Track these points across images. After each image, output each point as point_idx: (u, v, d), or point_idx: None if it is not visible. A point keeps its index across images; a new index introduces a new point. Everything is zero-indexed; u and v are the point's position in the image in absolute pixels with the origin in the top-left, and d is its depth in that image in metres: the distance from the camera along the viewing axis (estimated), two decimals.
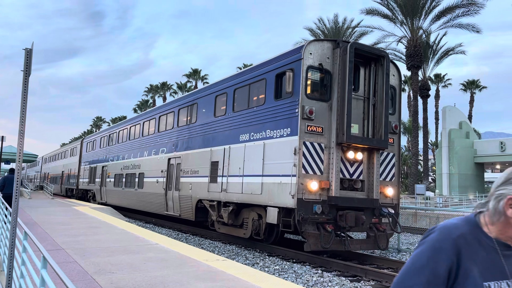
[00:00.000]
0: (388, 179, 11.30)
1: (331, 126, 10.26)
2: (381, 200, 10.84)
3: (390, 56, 11.54)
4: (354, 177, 10.55)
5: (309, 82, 10.25)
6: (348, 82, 10.00)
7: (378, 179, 10.70)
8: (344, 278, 8.82)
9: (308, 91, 10.19)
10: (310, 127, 9.97)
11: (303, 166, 9.80)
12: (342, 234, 10.21)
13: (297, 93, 10.07)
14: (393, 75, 11.78)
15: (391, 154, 11.43)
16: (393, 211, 10.92)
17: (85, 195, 30.56)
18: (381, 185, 10.95)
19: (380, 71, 10.70)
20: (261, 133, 11.16)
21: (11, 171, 17.14)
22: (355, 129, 10.48)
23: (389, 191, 11.13)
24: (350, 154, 10.38)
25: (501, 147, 41.04)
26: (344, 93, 10.02)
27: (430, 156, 60.07)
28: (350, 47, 10.13)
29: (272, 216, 10.32)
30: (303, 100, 9.98)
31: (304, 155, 9.82)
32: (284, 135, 10.28)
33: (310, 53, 10.27)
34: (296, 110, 9.99)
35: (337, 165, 10.08)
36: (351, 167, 10.50)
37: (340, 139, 10.02)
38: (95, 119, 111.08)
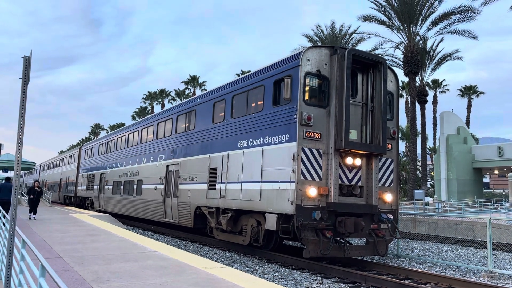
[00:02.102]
0: (386, 184, 11.30)
1: (330, 132, 10.27)
2: (380, 206, 10.83)
3: (387, 62, 11.59)
4: (353, 183, 10.55)
5: (307, 88, 10.28)
6: (346, 88, 10.03)
7: (377, 185, 10.69)
8: (343, 285, 8.80)
9: (306, 98, 10.22)
10: (309, 133, 9.98)
11: (302, 172, 9.79)
12: (341, 240, 10.18)
13: (295, 100, 10.09)
14: (391, 81, 11.83)
15: (389, 160, 11.45)
16: (392, 217, 10.90)
17: (83, 203, 30.45)
18: (380, 191, 10.95)
19: (378, 77, 10.75)
20: (259, 140, 11.17)
21: (7, 179, 17.37)
22: (353, 135, 10.49)
23: (388, 197, 11.12)
24: (349, 160, 10.38)
25: (499, 152, 41.14)
26: (342, 99, 10.05)
27: (429, 162, 60.14)
28: (348, 54, 10.18)
29: (271, 223, 10.30)
30: (301, 106, 10.00)
31: (302, 161, 9.82)
32: (283, 141, 10.29)
33: (308, 60, 10.31)
34: (294, 116, 10.01)
35: (335, 171, 10.08)
36: (350, 173, 10.51)
37: (338, 145, 10.03)
38: (93, 126, 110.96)
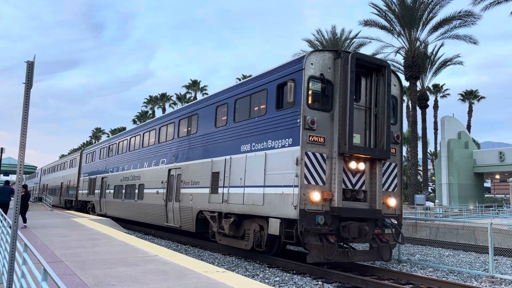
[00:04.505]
0: (390, 189, 11.23)
1: (333, 136, 10.21)
2: (383, 210, 10.74)
3: None
4: (357, 187, 10.48)
5: (310, 92, 10.23)
6: (350, 92, 9.98)
7: (381, 190, 10.61)
8: None
9: (310, 101, 10.16)
10: (312, 137, 9.93)
11: (305, 177, 9.72)
12: (345, 245, 10.10)
13: (299, 103, 10.05)
14: (394, 85, 11.79)
15: (393, 164, 11.38)
16: (396, 222, 10.83)
17: (84, 207, 30.36)
18: (384, 195, 10.87)
19: (382, 81, 10.70)
20: (262, 144, 11.11)
21: (6, 183, 17.14)
22: (357, 139, 10.43)
23: (392, 202, 11.04)
24: (352, 164, 10.32)
25: (500, 157, 41.04)
26: (345, 103, 10.00)
27: (430, 166, 60.07)
28: (352, 57, 10.14)
29: (274, 228, 10.22)
30: (304, 110, 9.96)
31: (306, 165, 9.76)
32: (286, 146, 10.23)
33: (312, 64, 10.28)
34: (298, 120, 9.96)
35: (339, 175, 10.01)
36: (353, 178, 10.44)
37: (342, 149, 9.97)
38: (94, 130, 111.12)
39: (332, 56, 10.64)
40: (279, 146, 10.46)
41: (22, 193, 16.11)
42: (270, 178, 10.59)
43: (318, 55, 10.48)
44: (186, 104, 17.69)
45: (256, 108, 11.81)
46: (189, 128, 15.68)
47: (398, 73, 39.45)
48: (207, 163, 13.75)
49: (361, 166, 10.48)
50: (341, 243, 10.08)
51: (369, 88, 10.94)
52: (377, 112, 10.71)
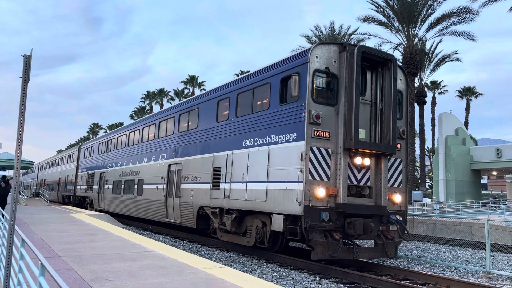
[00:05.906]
0: (396, 185, 11.06)
1: (338, 131, 10.02)
2: (389, 207, 10.58)
3: None
4: (362, 183, 10.30)
5: (315, 86, 10.02)
6: (356, 86, 9.78)
7: (386, 186, 10.43)
8: (342, 285, 8.72)
9: (315, 95, 9.94)
10: (317, 132, 9.73)
11: (310, 172, 9.53)
12: (350, 242, 9.95)
13: (303, 97, 9.84)
14: (400, 79, 11.59)
15: (398, 160, 11.21)
16: (401, 218, 10.68)
17: (82, 202, 30.15)
18: (389, 191, 10.70)
19: (387, 75, 10.50)
20: (265, 138, 10.91)
21: (3, 177, 16.88)
22: (362, 134, 10.24)
23: (397, 198, 10.88)
24: (358, 160, 10.13)
25: (497, 153, 41.15)
26: (351, 97, 9.80)
27: (427, 163, 60.14)
28: (357, 51, 9.92)
29: (277, 224, 10.04)
30: (309, 105, 9.74)
31: (311, 160, 9.56)
32: (290, 140, 10.03)
33: (317, 57, 10.06)
34: (303, 115, 9.75)
35: (344, 171, 9.82)
36: (359, 173, 10.26)
37: (347, 144, 9.78)
38: (92, 126, 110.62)
39: (338, 49, 10.42)
40: (283, 141, 10.26)
41: (3, 187, 15.86)
42: (273, 174, 10.40)
43: (324, 48, 10.26)
44: (186, 99, 17.46)
45: (259, 102, 11.60)
46: (189, 123, 15.47)
47: None
48: (208, 158, 13.55)
49: (367, 161, 10.30)
50: (346, 240, 9.93)
51: (374, 82, 10.74)
52: (382, 107, 10.52)
